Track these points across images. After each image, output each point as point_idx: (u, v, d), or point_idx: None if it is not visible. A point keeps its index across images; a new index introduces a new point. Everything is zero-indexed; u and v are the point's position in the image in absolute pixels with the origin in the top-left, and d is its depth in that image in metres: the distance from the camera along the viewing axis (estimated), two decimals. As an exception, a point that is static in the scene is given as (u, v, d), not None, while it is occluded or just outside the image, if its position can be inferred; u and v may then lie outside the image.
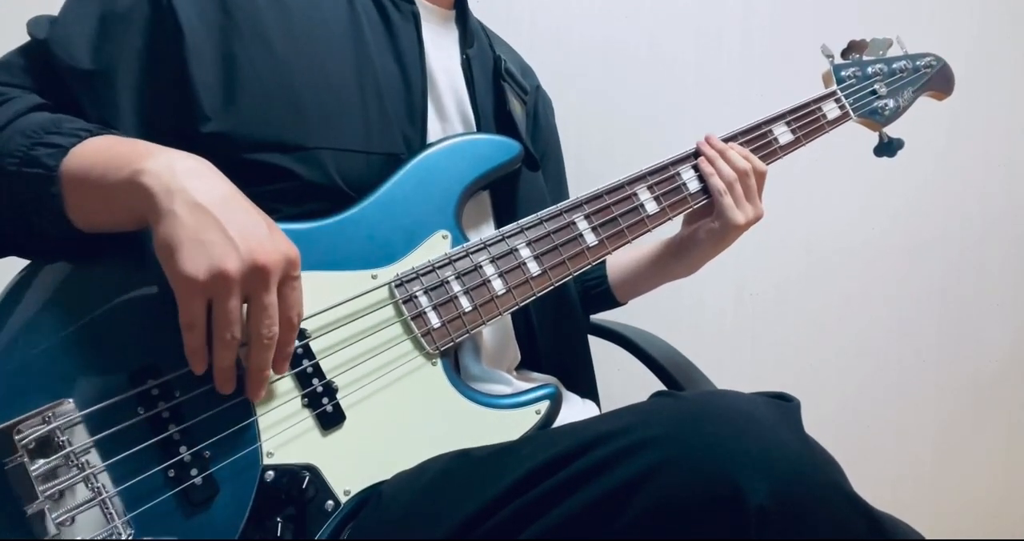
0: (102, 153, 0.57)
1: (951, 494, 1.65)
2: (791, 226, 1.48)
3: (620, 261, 0.96)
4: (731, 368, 1.49)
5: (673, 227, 0.88)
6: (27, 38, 0.66)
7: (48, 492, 0.53)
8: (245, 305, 0.56)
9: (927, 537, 0.57)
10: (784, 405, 0.54)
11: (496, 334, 0.81)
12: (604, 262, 0.97)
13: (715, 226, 0.84)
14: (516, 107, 0.86)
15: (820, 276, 1.52)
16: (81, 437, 0.55)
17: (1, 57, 0.66)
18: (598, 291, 0.97)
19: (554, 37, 1.33)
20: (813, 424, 0.54)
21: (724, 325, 1.49)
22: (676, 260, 0.91)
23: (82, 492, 0.54)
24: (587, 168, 1.06)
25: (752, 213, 0.84)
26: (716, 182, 0.82)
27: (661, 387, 0.94)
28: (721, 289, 1.47)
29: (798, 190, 1.45)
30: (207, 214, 0.53)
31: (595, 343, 0.97)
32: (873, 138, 1.01)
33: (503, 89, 0.85)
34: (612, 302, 0.98)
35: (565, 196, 0.96)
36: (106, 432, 0.56)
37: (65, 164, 0.57)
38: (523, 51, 1.03)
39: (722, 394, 0.55)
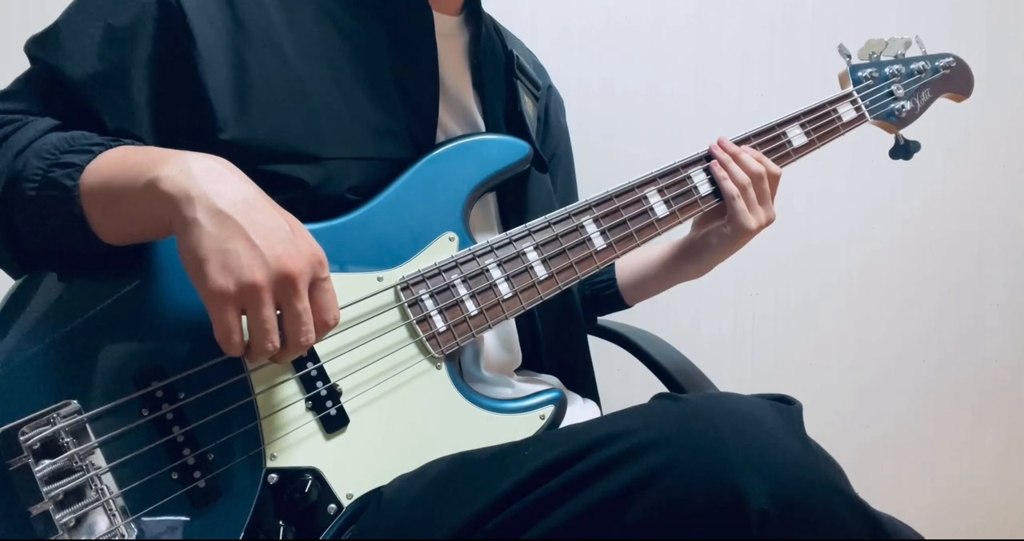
0: (117, 165, 0.56)
1: (951, 494, 1.65)
2: (792, 228, 1.47)
3: (629, 264, 0.96)
4: (732, 369, 1.49)
5: (683, 229, 0.87)
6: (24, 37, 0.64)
7: (52, 493, 0.53)
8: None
9: (927, 537, 0.57)
10: (786, 408, 0.54)
11: (499, 336, 0.81)
12: (613, 265, 0.97)
13: (727, 230, 0.83)
14: (528, 105, 0.85)
15: (819, 277, 1.52)
16: (85, 439, 0.55)
17: (7, 86, 0.65)
18: (607, 294, 0.97)
19: (554, 38, 1.32)
20: (813, 425, 0.54)
21: (724, 326, 1.49)
22: (686, 263, 0.90)
23: (86, 493, 0.54)
24: (588, 169, 1.05)
25: (764, 217, 0.83)
26: (729, 186, 0.81)
27: (661, 388, 0.94)
28: (722, 290, 1.47)
29: (798, 192, 1.44)
30: (230, 221, 0.51)
31: (595, 343, 0.97)
32: (886, 139, 1.00)
33: (515, 86, 0.84)
34: (620, 304, 0.98)
35: (575, 198, 0.96)
36: (110, 434, 0.56)
37: (83, 181, 0.56)
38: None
39: (724, 397, 0.54)
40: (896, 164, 1.02)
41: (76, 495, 0.54)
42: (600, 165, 1.13)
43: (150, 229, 0.56)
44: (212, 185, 0.52)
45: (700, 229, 0.88)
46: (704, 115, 1.40)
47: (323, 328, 0.56)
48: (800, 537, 0.46)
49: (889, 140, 1.00)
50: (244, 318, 0.53)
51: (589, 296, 0.98)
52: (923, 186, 1.53)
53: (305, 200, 0.65)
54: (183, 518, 0.57)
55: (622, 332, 1.05)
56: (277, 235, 0.53)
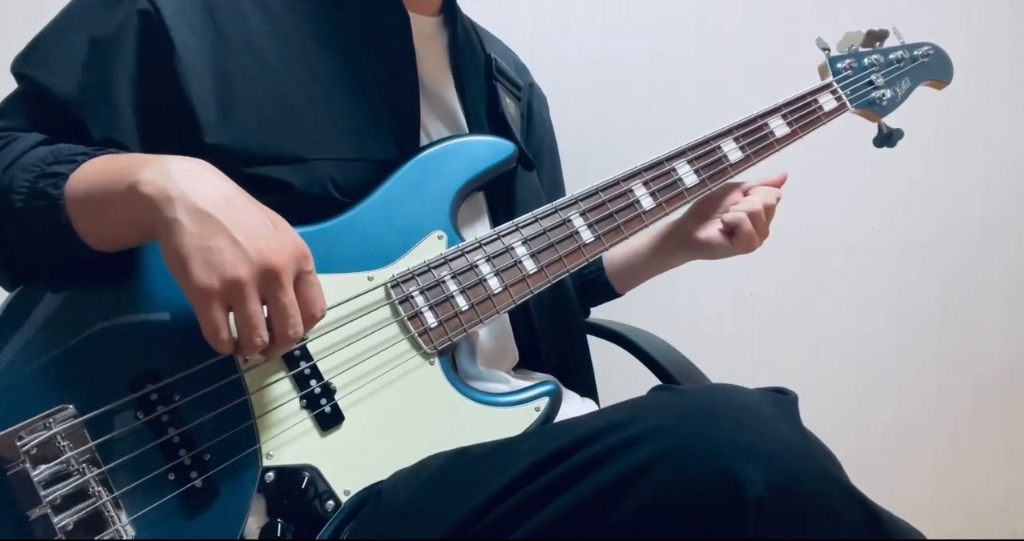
0: (100, 172, 0.57)
1: (951, 494, 1.63)
2: (789, 226, 1.47)
3: (616, 252, 0.96)
4: (730, 368, 1.49)
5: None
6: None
7: (50, 497, 0.53)
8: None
9: (927, 537, 0.56)
10: (782, 398, 0.54)
11: (494, 335, 0.81)
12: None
13: (730, 247, 0.85)
14: (510, 106, 0.87)
15: (819, 276, 1.52)
16: (82, 442, 0.55)
17: None
18: (597, 282, 0.98)
19: (554, 37, 1.34)
20: (812, 425, 0.54)
21: (723, 325, 1.49)
22: (680, 249, 0.91)
23: (83, 496, 0.54)
24: (587, 167, 1.06)
25: (765, 236, 0.86)
26: (741, 218, 0.84)
27: (660, 386, 0.94)
28: (720, 289, 1.47)
29: (796, 189, 1.44)
30: (211, 219, 0.52)
31: (594, 343, 0.97)
32: (872, 130, 1.00)
33: (495, 89, 0.85)
34: (611, 293, 0.98)
35: (562, 193, 0.97)
36: (106, 437, 0.56)
37: (67, 190, 0.57)
38: (523, 51, 1.03)
39: (721, 388, 0.55)
40: (895, 161, 1.03)
41: (74, 498, 0.54)
42: (597, 161, 1.14)
43: (135, 233, 0.57)
44: (191, 185, 0.53)
45: (695, 225, 0.88)
46: (702, 112, 1.41)
47: (310, 321, 0.56)
48: (796, 526, 0.46)
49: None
50: (232, 315, 0.54)
51: (580, 285, 0.99)
52: (922, 185, 1.53)
53: (292, 202, 0.66)
54: (181, 519, 0.57)
55: (621, 331, 1.05)
56: (259, 231, 0.53)
